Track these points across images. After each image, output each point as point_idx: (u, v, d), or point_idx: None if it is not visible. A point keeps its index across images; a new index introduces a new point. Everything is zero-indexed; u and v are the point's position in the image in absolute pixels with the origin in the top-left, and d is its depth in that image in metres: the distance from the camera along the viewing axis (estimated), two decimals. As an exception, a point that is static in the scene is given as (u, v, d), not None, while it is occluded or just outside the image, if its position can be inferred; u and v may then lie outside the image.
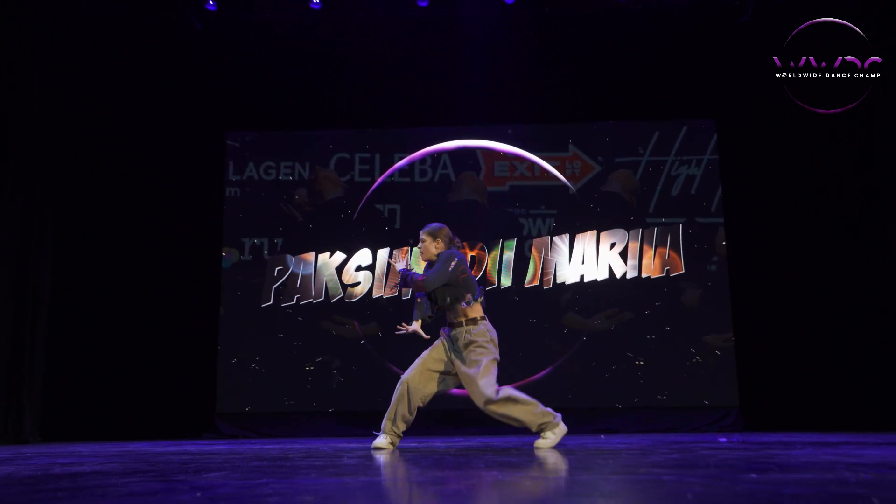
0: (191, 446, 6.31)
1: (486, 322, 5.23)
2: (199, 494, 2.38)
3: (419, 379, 5.26)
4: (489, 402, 4.91)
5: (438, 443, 6.23)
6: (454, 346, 5.19)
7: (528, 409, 4.96)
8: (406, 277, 5.37)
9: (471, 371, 5.01)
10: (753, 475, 2.71)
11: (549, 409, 5.04)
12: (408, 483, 2.69)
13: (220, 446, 6.30)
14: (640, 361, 8.85)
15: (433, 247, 5.38)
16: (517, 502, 2.18)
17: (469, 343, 5.10)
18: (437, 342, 5.35)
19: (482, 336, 5.12)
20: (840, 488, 2.26)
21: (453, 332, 5.21)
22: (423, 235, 5.44)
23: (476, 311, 5.21)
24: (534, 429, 5.03)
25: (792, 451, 4.17)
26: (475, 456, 4.19)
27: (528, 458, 3.97)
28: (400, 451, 5.00)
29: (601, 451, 4.59)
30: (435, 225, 5.46)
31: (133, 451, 5.60)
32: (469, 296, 5.17)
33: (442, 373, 5.27)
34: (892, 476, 2.62)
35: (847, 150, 8.83)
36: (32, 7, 8.54)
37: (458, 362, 5.14)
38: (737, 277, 8.98)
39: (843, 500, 1.99)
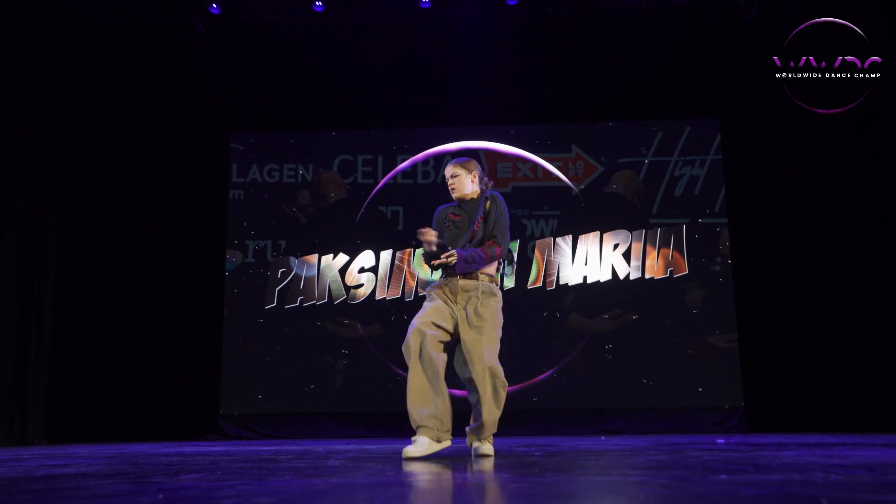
0: (189, 448, 6.34)
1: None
2: (160, 497, 2.39)
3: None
4: (492, 369, 4.17)
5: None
6: (456, 300, 4.38)
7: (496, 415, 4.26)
8: (471, 258, 4.32)
9: (476, 334, 4.25)
10: (723, 476, 2.70)
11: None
12: (373, 485, 2.69)
13: (218, 448, 6.33)
14: (643, 363, 8.82)
15: (469, 182, 4.59)
16: (465, 502, 2.19)
17: (483, 298, 4.35)
18: (432, 296, 4.47)
19: (499, 297, 4.45)
20: (800, 489, 2.25)
21: (461, 282, 4.37)
22: (455, 169, 4.59)
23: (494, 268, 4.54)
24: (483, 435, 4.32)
25: (780, 453, 4.15)
26: (463, 458, 4.19)
27: (513, 459, 3.97)
28: (391, 453, 5.00)
29: (590, 452, 4.58)
30: (464, 157, 4.67)
31: (129, 452, 5.63)
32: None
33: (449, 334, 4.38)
34: (862, 478, 2.60)
35: (852, 150, 8.76)
36: (38, 10, 8.59)
37: (462, 320, 4.32)
38: (740, 278, 8.94)
39: (795, 500, 1.98)
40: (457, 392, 4.74)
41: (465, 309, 4.33)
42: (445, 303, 4.38)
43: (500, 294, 4.46)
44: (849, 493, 2.12)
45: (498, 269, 4.59)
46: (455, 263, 4.27)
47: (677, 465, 3.37)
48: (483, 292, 4.36)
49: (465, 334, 4.27)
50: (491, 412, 4.21)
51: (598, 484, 2.53)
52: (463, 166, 4.59)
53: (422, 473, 3.09)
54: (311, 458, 4.34)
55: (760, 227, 8.96)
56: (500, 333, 4.38)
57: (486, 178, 4.69)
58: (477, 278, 4.39)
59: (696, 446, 5.12)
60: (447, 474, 3.02)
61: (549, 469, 3.20)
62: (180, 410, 8.96)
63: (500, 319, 4.40)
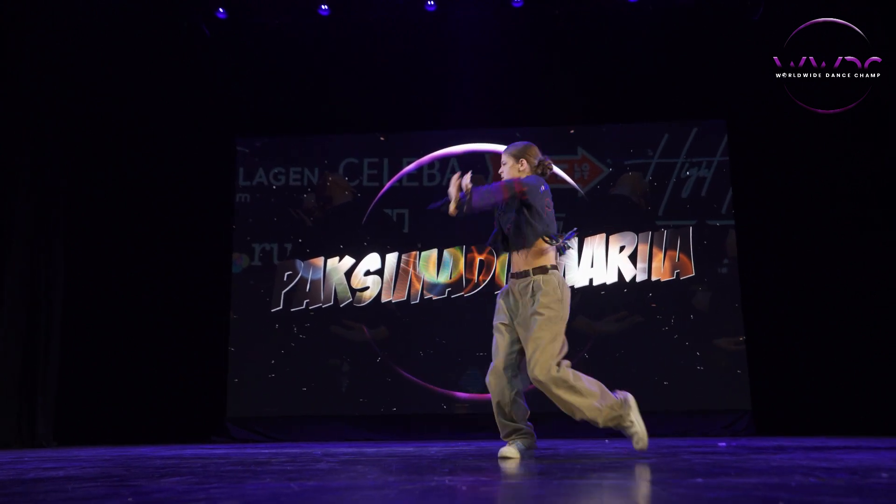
0: (190, 451, 6.36)
1: (558, 273, 4.25)
2: (130, 500, 2.39)
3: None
4: (547, 376, 4.02)
5: (436, 448, 6.21)
6: (513, 299, 4.28)
7: (588, 402, 4.07)
8: (477, 192, 4.06)
9: (530, 331, 4.11)
10: (700, 480, 2.68)
11: (615, 398, 4.11)
12: (346, 488, 2.69)
13: (219, 451, 6.34)
14: (649, 365, 8.78)
15: (517, 172, 4.39)
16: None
17: (534, 293, 4.15)
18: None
19: (551, 288, 4.16)
20: (766, 492, 2.23)
21: (516, 285, 4.27)
22: (504, 157, 4.47)
23: (549, 257, 4.24)
24: (600, 424, 4.11)
25: (775, 456, 4.12)
26: (453, 461, 4.18)
27: (498, 463, 3.95)
28: (386, 455, 4.99)
29: (584, 456, 4.56)
30: (519, 143, 4.48)
31: (129, 455, 5.65)
32: (551, 238, 4.23)
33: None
34: (838, 481, 2.57)
35: (860, 152, 8.68)
36: (43, 13, 8.64)
37: (519, 317, 4.22)
38: (748, 280, 8.88)
39: (753, 503, 1.96)
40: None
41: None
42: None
43: (555, 285, 4.17)
44: (811, 496, 2.10)
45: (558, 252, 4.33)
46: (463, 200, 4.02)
47: (661, 468, 3.35)
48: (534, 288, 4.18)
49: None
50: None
51: (568, 488, 2.52)
52: (511, 155, 4.46)
53: (408, 476, 3.08)
54: (302, 461, 4.34)
55: (768, 228, 8.89)
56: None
57: (546, 161, 4.47)
58: (528, 274, 4.23)
59: (693, 449, 5.09)
60: (424, 477, 3.01)
61: (532, 472, 3.18)
62: (187, 413, 9.00)
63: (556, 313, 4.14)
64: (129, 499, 2.42)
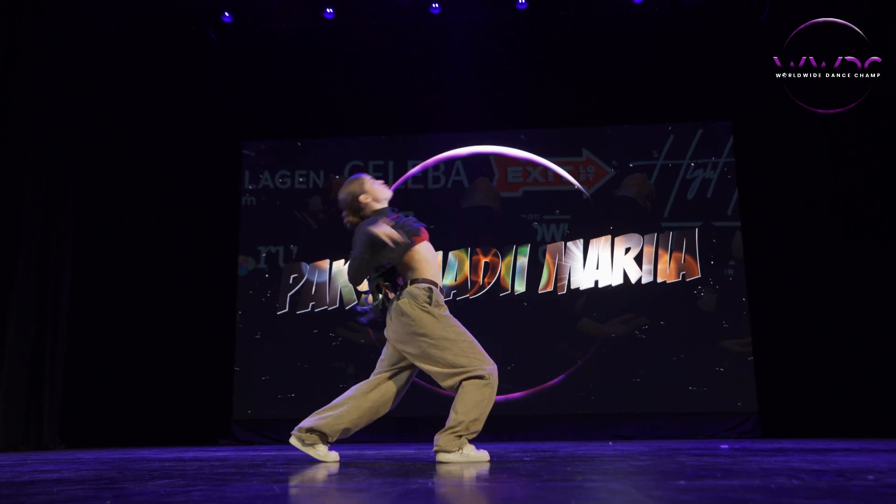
0: (192, 453, 6.37)
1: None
2: (108, 502, 2.40)
3: None
4: None
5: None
6: None
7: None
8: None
9: None
10: (682, 482, 2.66)
11: None
12: (326, 490, 2.69)
13: (220, 453, 6.35)
14: (655, 368, 8.75)
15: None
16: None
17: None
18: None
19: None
20: (742, 494, 2.21)
21: None
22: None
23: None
24: None
25: (771, 458, 4.09)
26: (447, 462, 4.18)
27: (495, 465, 3.95)
28: (384, 458, 4.98)
29: (581, 458, 4.54)
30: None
31: (130, 458, 5.67)
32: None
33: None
34: (820, 484, 2.56)
35: (867, 152, 8.64)
36: (53, 18, 8.68)
37: None
38: (754, 281, 8.84)
39: (723, 508, 1.95)
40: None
41: None
42: None
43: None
44: (784, 499, 2.08)
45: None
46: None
47: (650, 470, 3.34)
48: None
49: None
50: None
51: (546, 490, 2.51)
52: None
53: (389, 479, 3.08)
54: (298, 464, 4.36)
55: (774, 229, 8.85)
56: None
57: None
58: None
59: (693, 451, 5.06)
60: (408, 480, 3.01)
61: (520, 474, 3.17)
62: (194, 416, 9.03)
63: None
64: (108, 502, 2.43)
